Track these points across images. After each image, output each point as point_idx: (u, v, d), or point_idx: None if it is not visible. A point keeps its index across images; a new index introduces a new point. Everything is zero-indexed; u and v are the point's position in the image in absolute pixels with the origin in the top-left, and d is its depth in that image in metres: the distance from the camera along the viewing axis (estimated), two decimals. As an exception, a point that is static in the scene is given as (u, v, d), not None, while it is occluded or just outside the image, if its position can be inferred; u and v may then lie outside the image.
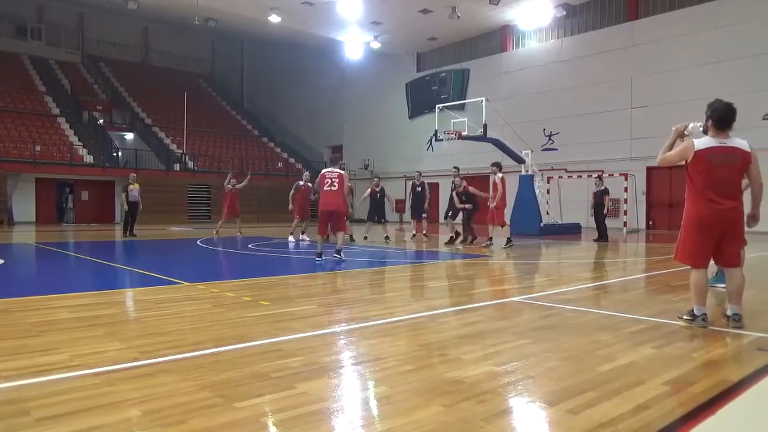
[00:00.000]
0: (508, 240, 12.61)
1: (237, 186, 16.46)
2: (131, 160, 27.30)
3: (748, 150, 4.21)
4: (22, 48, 33.50)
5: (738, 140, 4.26)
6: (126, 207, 16.17)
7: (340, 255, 9.30)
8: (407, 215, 16.65)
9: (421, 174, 15.85)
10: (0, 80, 29.07)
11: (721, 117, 4.23)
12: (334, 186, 9.13)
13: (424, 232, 15.33)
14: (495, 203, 12.36)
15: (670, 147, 4.52)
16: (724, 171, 4.16)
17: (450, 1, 22.70)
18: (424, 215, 15.43)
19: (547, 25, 24.50)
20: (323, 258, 9.16)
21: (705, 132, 4.35)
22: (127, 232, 16.02)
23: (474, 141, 18.18)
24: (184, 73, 39.29)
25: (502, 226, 12.91)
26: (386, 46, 28.29)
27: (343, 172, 9.39)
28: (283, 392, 2.83)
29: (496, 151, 18.87)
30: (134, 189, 16.09)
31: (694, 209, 4.30)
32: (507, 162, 19.79)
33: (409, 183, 16.07)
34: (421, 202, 15.20)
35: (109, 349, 3.68)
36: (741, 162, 4.18)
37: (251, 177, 17.58)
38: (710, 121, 4.28)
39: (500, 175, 12.48)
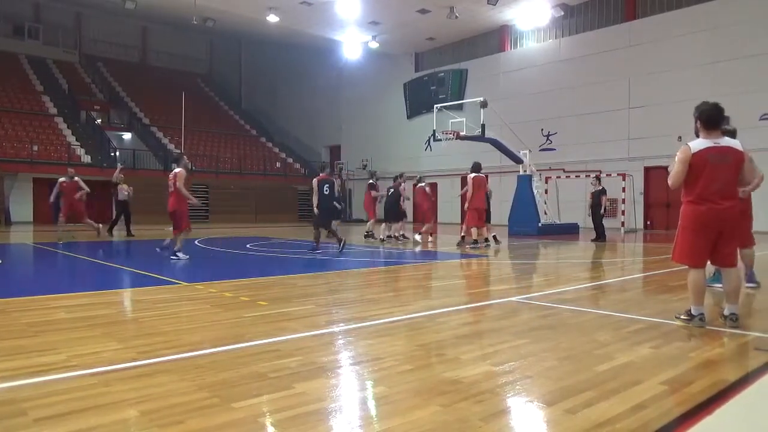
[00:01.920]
0: (475, 241, 12.20)
1: (75, 177, 14.61)
2: (129, 160, 27.25)
3: (741, 149, 4.25)
4: (20, 47, 33.43)
5: (730, 140, 4.29)
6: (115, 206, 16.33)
7: (177, 256, 9.37)
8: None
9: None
10: (-3, 80, 29.05)
11: (709, 117, 4.25)
12: (171, 187, 9.34)
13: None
14: (466, 204, 12.32)
15: None
16: (721, 170, 4.18)
17: (448, 1, 22.71)
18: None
19: (545, 26, 24.54)
20: (181, 256, 9.40)
21: (697, 135, 4.36)
22: (111, 232, 16.13)
23: (472, 141, 18.18)
24: (182, 73, 39.25)
25: (478, 227, 12.36)
26: (384, 46, 28.29)
27: (178, 170, 9.37)
28: (281, 392, 2.83)
29: (494, 152, 18.89)
30: (123, 188, 16.08)
31: (691, 209, 4.30)
32: (505, 162, 19.89)
33: (408, 183, 15.87)
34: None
35: (106, 349, 3.67)
36: (735, 161, 4.20)
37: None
38: (699, 122, 4.30)
39: (471, 174, 12.39)
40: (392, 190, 14.53)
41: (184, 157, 10.26)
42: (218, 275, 7.92)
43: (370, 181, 16.24)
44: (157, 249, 10.33)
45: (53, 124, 28.34)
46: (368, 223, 15.85)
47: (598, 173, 16.28)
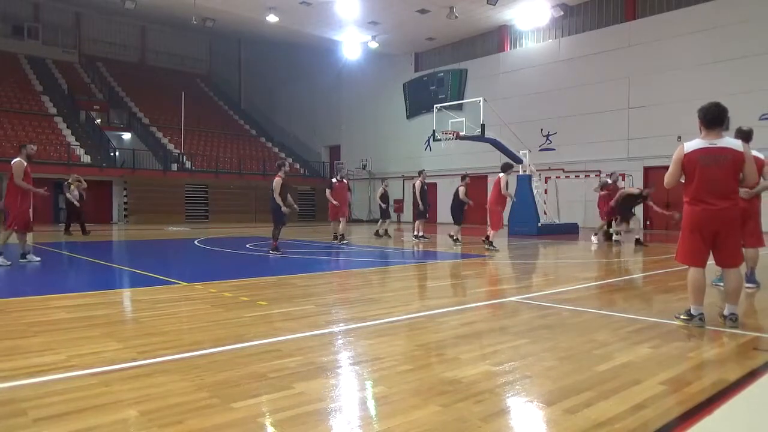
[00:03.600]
0: (489, 242, 11.83)
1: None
2: (128, 160, 27.26)
3: (740, 150, 4.23)
4: (19, 47, 33.44)
5: (729, 140, 4.30)
6: (63, 206, 16.36)
7: (26, 258, 8.54)
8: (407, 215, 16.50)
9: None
10: (-3, 80, 29.06)
11: (707, 116, 4.27)
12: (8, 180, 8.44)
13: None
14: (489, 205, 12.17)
15: None
16: (714, 171, 4.18)
17: (448, 1, 22.71)
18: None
19: (545, 26, 24.55)
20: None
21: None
22: (69, 230, 16.20)
23: (472, 141, 18.20)
24: (182, 73, 39.28)
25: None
26: (384, 46, 28.30)
27: (14, 161, 8.41)
28: (281, 392, 2.83)
29: (494, 152, 18.90)
30: (75, 189, 16.24)
31: (688, 210, 4.34)
32: (505, 162, 19.88)
33: (408, 183, 15.72)
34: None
35: (106, 349, 3.67)
36: (732, 161, 4.19)
37: None
38: (700, 122, 4.32)
39: (501, 174, 12.02)
40: (456, 190, 13.75)
41: (28, 145, 8.95)
42: (218, 275, 7.92)
43: (333, 179, 14.36)
44: None
45: (53, 124, 28.34)
46: (340, 224, 13.85)
47: (617, 174, 16.45)
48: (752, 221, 5.78)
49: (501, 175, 11.95)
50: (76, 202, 16.18)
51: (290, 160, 34.29)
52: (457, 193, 13.72)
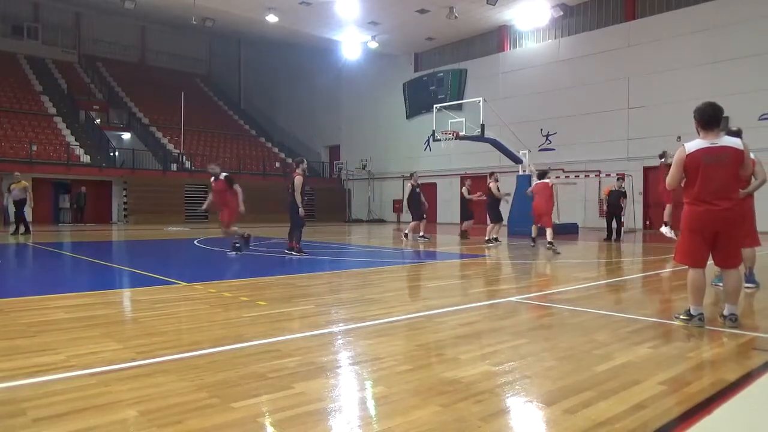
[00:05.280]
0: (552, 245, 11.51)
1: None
2: (128, 159, 27.25)
3: (740, 148, 4.23)
4: (19, 47, 33.46)
5: (729, 139, 4.29)
6: (12, 207, 16.15)
7: None
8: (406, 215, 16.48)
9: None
10: (-4, 80, 29.05)
11: (703, 116, 4.28)
12: None
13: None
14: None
15: None
16: (716, 171, 4.18)
17: (448, 1, 22.72)
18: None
19: (545, 26, 24.56)
20: None
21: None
22: (17, 232, 16.02)
23: (471, 141, 18.19)
24: (182, 73, 39.28)
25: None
26: (384, 46, 28.31)
27: None
28: (280, 392, 2.83)
29: (494, 152, 18.91)
30: (16, 188, 16.08)
31: (689, 210, 4.34)
32: (505, 162, 19.89)
33: (407, 183, 15.68)
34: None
35: (105, 349, 3.67)
36: (733, 160, 4.20)
37: None
38: (697, 123, 4.33)
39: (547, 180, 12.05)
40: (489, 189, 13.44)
41: None
42: (217, 275, 7.91)
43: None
44: None
45: (52, 124, 28.33)
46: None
47: (622, 174, 16.52)
48: (747, 221, 5.78)
49: (548, 180, 12.13)
50: (10, 205, 16.12)
51: (290, 160, 34.30)
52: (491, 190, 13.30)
